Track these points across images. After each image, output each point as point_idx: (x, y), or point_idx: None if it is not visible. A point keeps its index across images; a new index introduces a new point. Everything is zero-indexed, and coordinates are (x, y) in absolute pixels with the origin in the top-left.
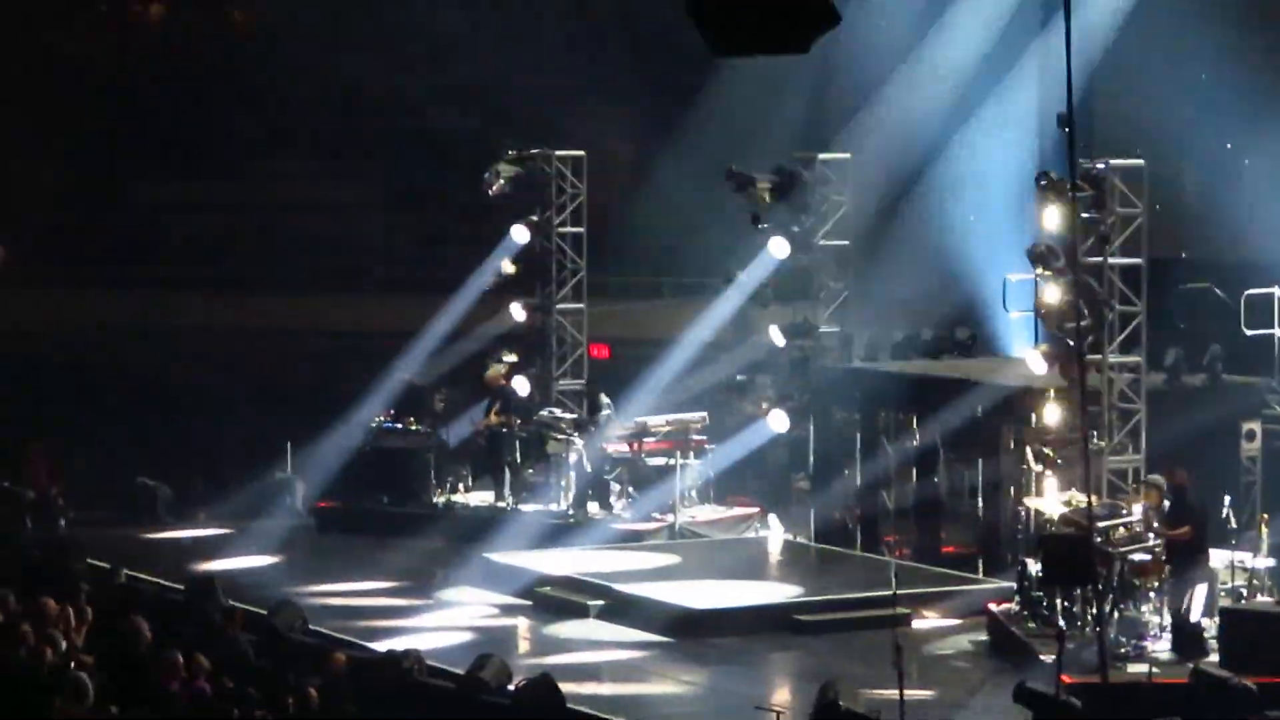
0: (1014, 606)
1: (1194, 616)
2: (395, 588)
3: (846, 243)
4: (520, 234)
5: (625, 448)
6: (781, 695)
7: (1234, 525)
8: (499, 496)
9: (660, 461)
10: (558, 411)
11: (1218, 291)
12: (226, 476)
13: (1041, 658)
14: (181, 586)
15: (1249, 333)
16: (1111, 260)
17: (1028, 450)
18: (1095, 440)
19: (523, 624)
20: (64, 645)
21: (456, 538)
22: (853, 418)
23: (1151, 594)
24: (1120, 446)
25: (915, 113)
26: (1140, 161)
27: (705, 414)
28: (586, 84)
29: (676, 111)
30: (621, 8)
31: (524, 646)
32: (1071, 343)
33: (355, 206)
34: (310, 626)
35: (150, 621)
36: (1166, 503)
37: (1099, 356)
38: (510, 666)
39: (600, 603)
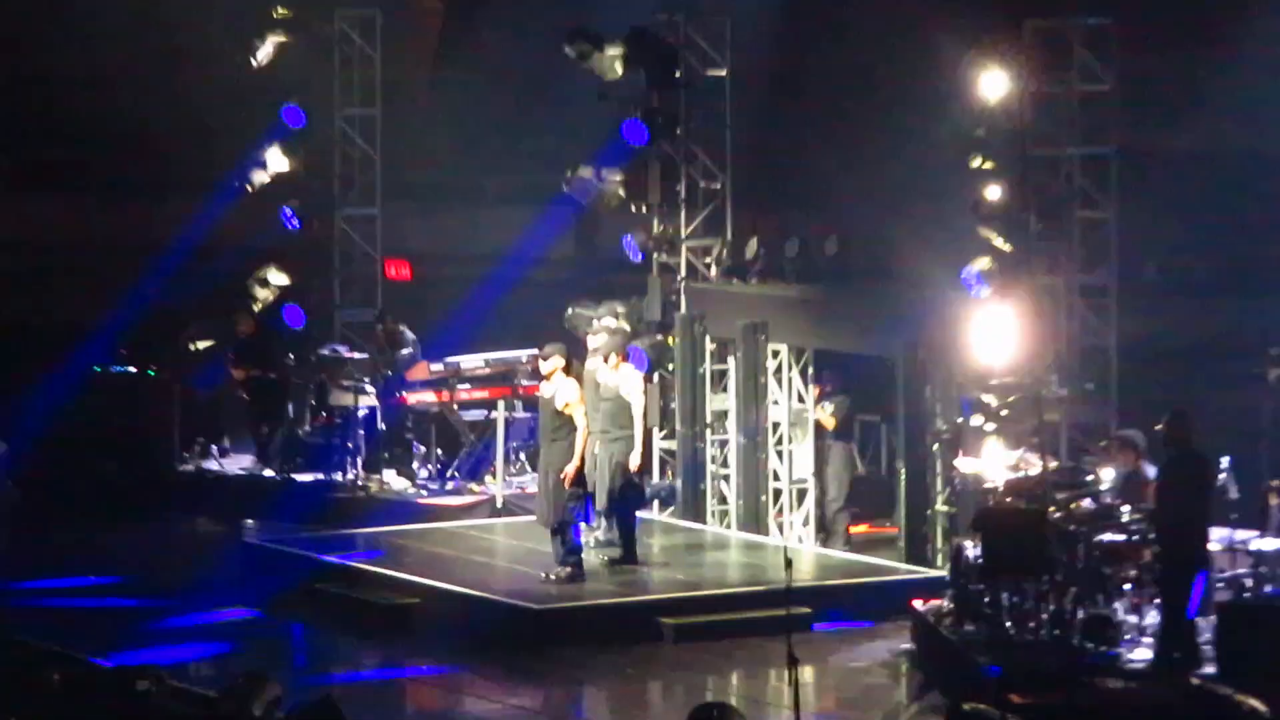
0: (946, 604)
1: (1185, 615)
2: (127, 584)
3: (724, 129)
4: (294, 117)
5: (432, 397)
6: None
7: (1234, 496)
8: (264, 462)
9: (478, 415)
10: (343, 350)
11: None
12: None
13: (982, 670)
14: None
15: None
16: (1071, 149)
17: (961, 398)
18: (1054, 385)
19: (297, 630)
20: None
21: (209, 516)
22: (728, 353)
23: (1127, 587)
24: (1088, 392)
25: None
26: (1107, 20)
27: (536, 352)
28: None
29: None
30: None
31: (296, 659)
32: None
33: None
34: (16, 637)
35: None
36: (1149, 467)
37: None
38: (280, 685)
39: (404, 601)
